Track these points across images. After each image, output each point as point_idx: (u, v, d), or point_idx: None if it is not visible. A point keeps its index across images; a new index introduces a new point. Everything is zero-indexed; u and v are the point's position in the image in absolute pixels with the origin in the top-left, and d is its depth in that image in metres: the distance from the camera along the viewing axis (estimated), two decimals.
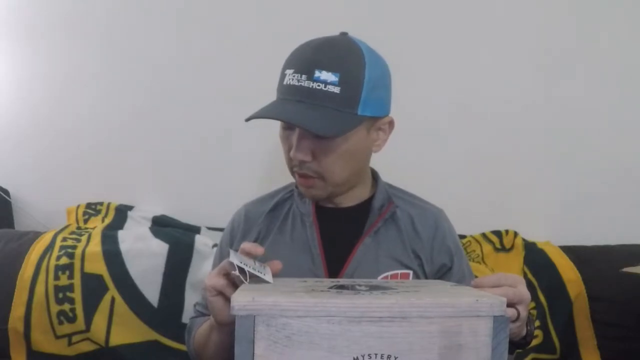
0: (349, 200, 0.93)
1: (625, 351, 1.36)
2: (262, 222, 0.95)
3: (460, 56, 1.56)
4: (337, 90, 0.79)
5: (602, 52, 1.57)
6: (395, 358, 0.52)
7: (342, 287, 0.64)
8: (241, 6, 1.54)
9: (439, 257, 0.92)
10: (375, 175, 0.99)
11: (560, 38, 1.57)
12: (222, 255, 0.97)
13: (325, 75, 0.78)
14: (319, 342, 0.51)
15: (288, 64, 0.83)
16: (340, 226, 0.91)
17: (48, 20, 1.54)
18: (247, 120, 0.83)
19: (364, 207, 0.93)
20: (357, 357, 0.52)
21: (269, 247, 0.91)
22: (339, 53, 0.81)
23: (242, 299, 0.52)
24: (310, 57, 0.80)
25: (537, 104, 1.57)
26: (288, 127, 0.85)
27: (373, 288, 0.62)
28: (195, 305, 1.01)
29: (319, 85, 0.78)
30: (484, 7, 1.56)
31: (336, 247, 0.90)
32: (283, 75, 0.83)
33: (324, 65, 0.79)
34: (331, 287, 0.63)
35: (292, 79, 0.80)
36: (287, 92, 0.82)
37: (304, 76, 0.79)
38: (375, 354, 0.52)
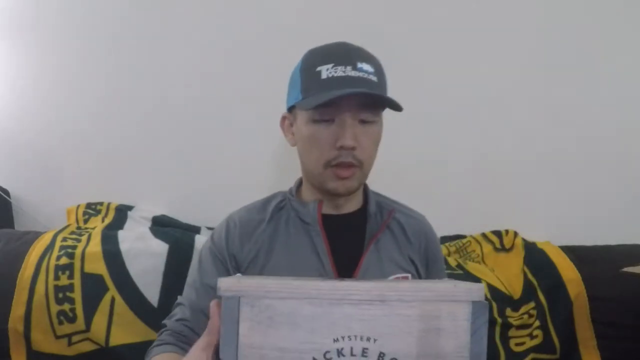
0: (349, 205, 0.94)
1: (625, 351, 1.36)
2: (264, 231, 0.92)
3: (461, 57, 1.56)
4: (375, 79, 0.83)
5: (602, 52, 1.58)
6: (375, 340, 0.53)
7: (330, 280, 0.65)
8: (248, 7, 1.54)
9: (427, 262, 0.97)
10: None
11: (560, 38, 1.57)
12: (205, 271, 0.91)
13: (366, 67, 0.83)
14: (301, 323, 0.53)
15: (320, 61, 0.84)
16: (343, 233, 0.92)
17: (50, 20, 1.54)
18: (318, 105, 0.81)
19: (361, 213, 0.95)
20: (337, 339, 0.53)
21: (277, 259, 0.90)
22: (368, 52, 0.87)
23: (229, 280, 0.54)
24: (348, 51, 0.85)
25: (538, 104, 1.58)
26: (327, 119, 0.84)
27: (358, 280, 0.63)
28: (161, 328, 0.92)
29: (363, 75, 0.82)
30: (485, 7, 1.56)
31: (343, 254, 0.90)
32: (317, 72, 0.83)
33: (362, 58, 0.84)
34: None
35: (336, 72, 0.82)
36: (333, 84, 0.82)
37: (348, 67, 0.82)
38: (355, 336, 0.53)
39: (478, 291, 0.55)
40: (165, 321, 0.92)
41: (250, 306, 0.52)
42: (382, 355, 0.53)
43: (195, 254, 1.34)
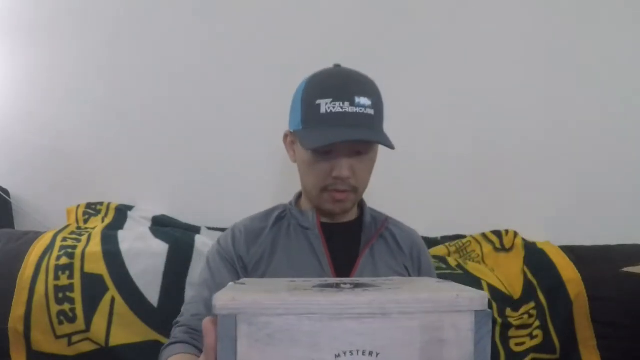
0: (346, 216, 1.01)
1: (625, 351, 1.36)
2: (267, 236, 0.98)
3: (461, 56, 1.56)
4: (372, 112, 0.87)
5: (602, 52, 1.57)
6: (377, 354, 0.52)
7: (326, 285, 0.64)
8: (248, 7, 1.54)
9: (419, 270, 1.03)
10: None
11: (560, 38, 1.57)
12: (215, 271, 0.97)
13: (363, 100, 0.86)
14: (301, 340, 0.51)
15: (319, 95, 0.88)
16: (339, 238, 0.98)
17: (50, 19, 1.54)
18: (314, 148, 0.87)
19: (357, 222, 1.02)
20: (339, 354, 0.52)
21: (279, 260, 0.95)
22: (366, 80, 0.90)
23: (224, 298, 0.52)
24: (347, 86, 0.88)
25: (537, 104, 1.58)
26: (325, 152, 0.89)
27: (357, 286, 0.63)
28: (174, 325, 0.95)
29: (360, 110, 0.86)
30: (484, 6, 1.56)
31: (340, 258, 0.96)
32: (316, 106, 0.87)
33: (359, 91, 0.87)
34: (315, 286, 0.64)
35: (334, 107, 0.86)
36: (331, 120, 0.86)
37: (346, 103, 0.86)
38: (357, 351, 0.52)
39: (481, 300, 0.53)
40: (178, 319, 0.96)
41: (248, 324, 0.51)
42: None
43: (195, 254, 1.34)
